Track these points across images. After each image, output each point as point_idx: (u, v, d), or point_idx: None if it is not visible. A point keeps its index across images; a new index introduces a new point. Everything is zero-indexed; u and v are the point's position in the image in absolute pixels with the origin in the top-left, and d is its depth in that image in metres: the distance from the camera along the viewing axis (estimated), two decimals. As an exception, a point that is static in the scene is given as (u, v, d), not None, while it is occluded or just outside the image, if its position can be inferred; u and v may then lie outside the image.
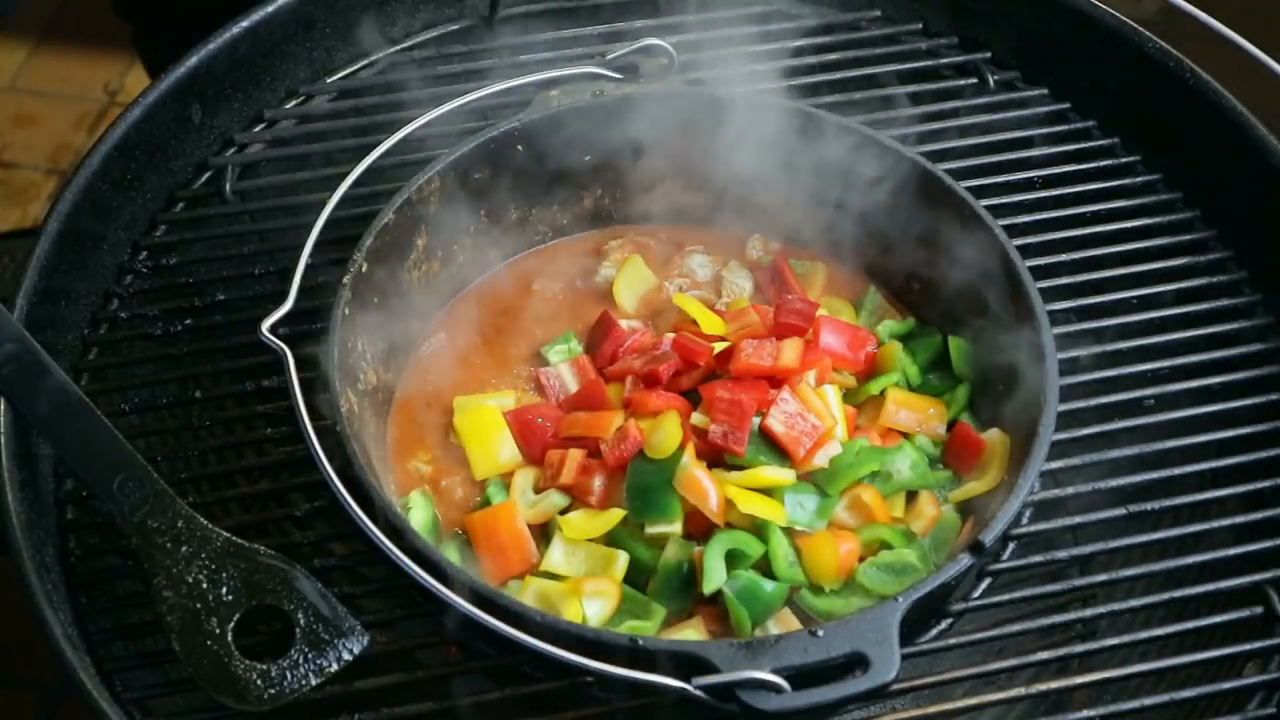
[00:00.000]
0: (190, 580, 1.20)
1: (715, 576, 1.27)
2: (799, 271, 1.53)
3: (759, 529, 1.31)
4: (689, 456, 1.32)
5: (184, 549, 1.21)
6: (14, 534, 1.27)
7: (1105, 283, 1.52)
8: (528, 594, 1.29)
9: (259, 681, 1.16)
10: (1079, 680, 1.27)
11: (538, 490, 1.37)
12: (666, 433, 1.34)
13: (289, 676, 1.16)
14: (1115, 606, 1.31)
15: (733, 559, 1.28)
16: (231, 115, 1.62)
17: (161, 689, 1.25)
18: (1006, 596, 1.32)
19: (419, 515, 1.35)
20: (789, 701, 1.11)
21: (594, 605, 1.27)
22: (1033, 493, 1.32)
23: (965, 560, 1.22)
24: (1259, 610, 1.32)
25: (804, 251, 1.55)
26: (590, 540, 1.32)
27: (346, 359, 1.35)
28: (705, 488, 1.30)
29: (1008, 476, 1.32)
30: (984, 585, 1.33)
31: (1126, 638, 1.30)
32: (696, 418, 1.35)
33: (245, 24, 1.60)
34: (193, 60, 1.56)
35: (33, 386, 1.28)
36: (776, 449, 1.34)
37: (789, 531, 1.32)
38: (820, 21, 1.74)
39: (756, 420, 1.34)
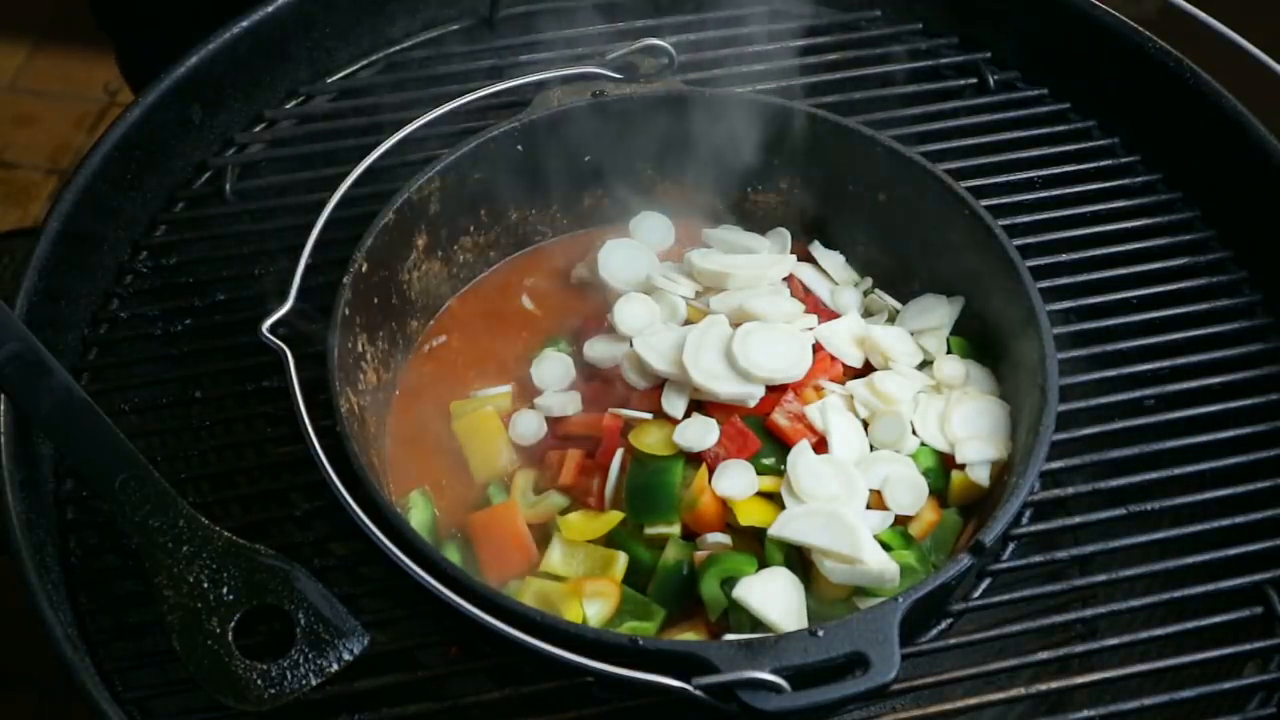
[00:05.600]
0: (191, 580, 1.20)
1: (717, 605, 1.28)
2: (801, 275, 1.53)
3: (758, 536, 1.31)
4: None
5: (185, 549, 1.21)
6: (14, 534, 1.27)
7: (1105, 283, 1.52)
8: (528, 594, 1.29)
9: (259, 681, 1.16)
10: (1079, 680, 1.27)
11: (538, 491, 1.37)
12: (657, 433, 1.35)
13: (289, 676, 1.16)
14: (1115, 606, 1.31)
15: (729, 581, 1.29)
16: (231, 115, 1.63)
17: (161, 689, 1.25)
18: (1006, 596, 1.32)
19: (419, 515, 1.35)
20: (789, 701, 1.11)
21: (594, 606, 1.27)
22: (1033, 493, 1.32)
23: (965, 560, 1.22)
24: (1259, 610, 1.32)
25: (802, 252, 1.55)
26: (590, 541, 1.32)
27: (346, 359, 1.35)
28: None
29: (1008, 477, 1.32)
30: (984, 585, 1.33)
31: (1126, 638, 1.30)
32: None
33: (245, 24, 1.60)
34: (193, 60, 1.56)
35: (35, 385, 1.29)
36: (779, 444, 1.35)
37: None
38: (820, 21, 1.74)
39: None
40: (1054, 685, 1.26)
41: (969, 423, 1.39)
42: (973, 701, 1.25)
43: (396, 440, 1.43)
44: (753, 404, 1.37)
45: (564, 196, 1.56)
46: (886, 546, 1.31)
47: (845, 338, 1.44)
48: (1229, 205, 1.57)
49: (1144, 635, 1.30)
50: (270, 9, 1.61)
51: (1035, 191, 1.59)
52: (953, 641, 1.28)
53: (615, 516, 1.33)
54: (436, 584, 1.15)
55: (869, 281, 1.53)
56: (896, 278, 1.52)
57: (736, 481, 1.32)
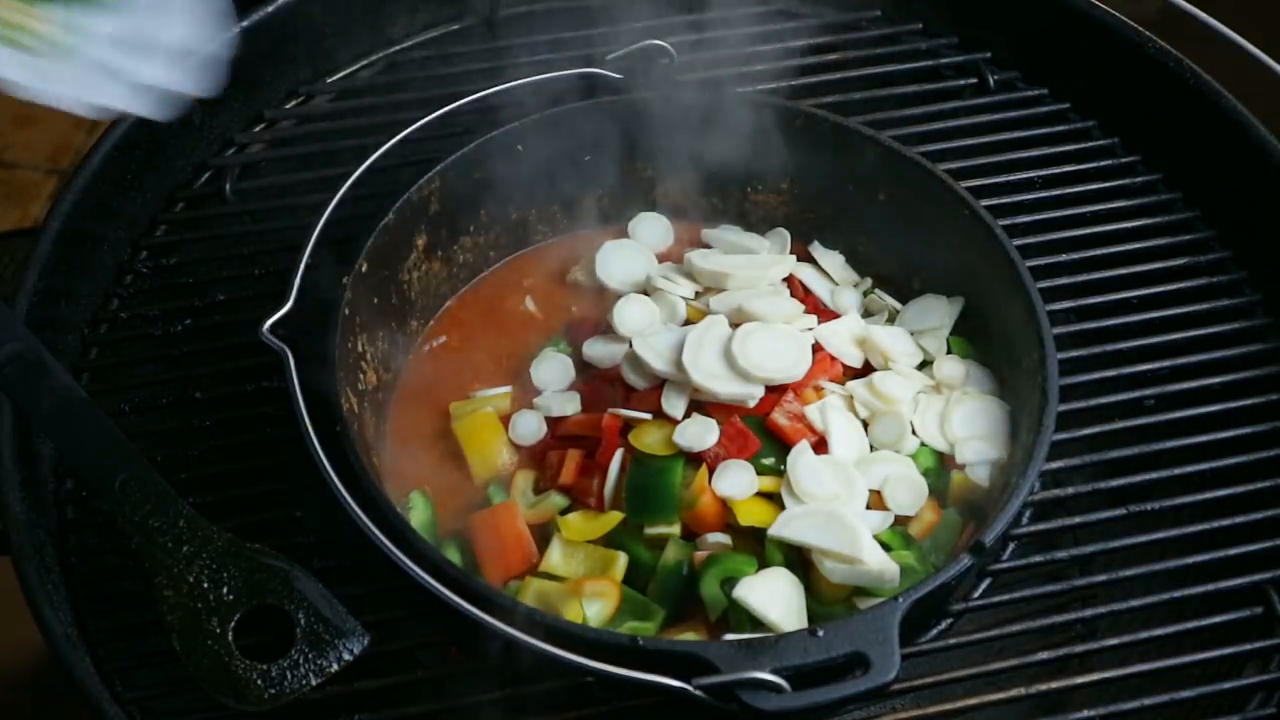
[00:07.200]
0: (191, 580, 1.20)
1: (717, 605, 1.28)
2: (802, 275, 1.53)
3: (758, 536, 1.31)
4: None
5: (185, 549, 1.21)
6: (14, 534, 1.27)
7: (1105, 283, 1.52)
8: (528, 594, 1.29)
9: (259, 681, 1.16)
10: (1079, 680, 1.27)
11: (538, 491, 1.37)
12: (657, 433, 1.35)
13: (289, 676, 1.16)
14: (1115, 606, 1.31)
15: (729, 581, 1.29)
16: (231, 115, 1.62)
17: (161, 689, 1.25)
18: (1006, 596, 1.32)
19: (419, 515, 1.35)
20: (789, 702, 1.11)
21: (594, 606, 1.27)
22: (1033, 493, 1.32)
23: (965, 560, 1.22)
24: (1259, 610, 1.32)
25: (802, 252, 1.55)
26: (590, 541, 1.32)
27: (346, 359, 1.35)
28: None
29: (1008, 477, 1.32)
30: (984, 585, 1.33)
31: (1126, 638, 1.30)
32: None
33: (245, 24, 1.59)
34: (193, 60, 1.57)
35: (35, 385, 1.29)
36: (779, 444, 1.35)
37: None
38: (820, 21, 1.74)
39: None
40: (1054, 685, 1.26)
41: (969, 423, 1.39)
42: (973, 701, 1.25)
43: (396, 440, 1.43)
44: (752, 404, 1.37)
45: (564, 196, 1.56)
46: (886, 546, 1.31)
47: (845, 338, 1.44)
48: (1229, 205, 1.57)
49: (1144, 635, 1.30)
50: (270, 9, 1.61)
51: (1035, 191, 1.59)
52: (953, 641, 1.28)
53: (615, 516, 1.33)
54: (436, 584, 1.15)
55: (869, 281, 1.53)
56: (896, 278, 1.52)
57: (736, 481, 1.32)
